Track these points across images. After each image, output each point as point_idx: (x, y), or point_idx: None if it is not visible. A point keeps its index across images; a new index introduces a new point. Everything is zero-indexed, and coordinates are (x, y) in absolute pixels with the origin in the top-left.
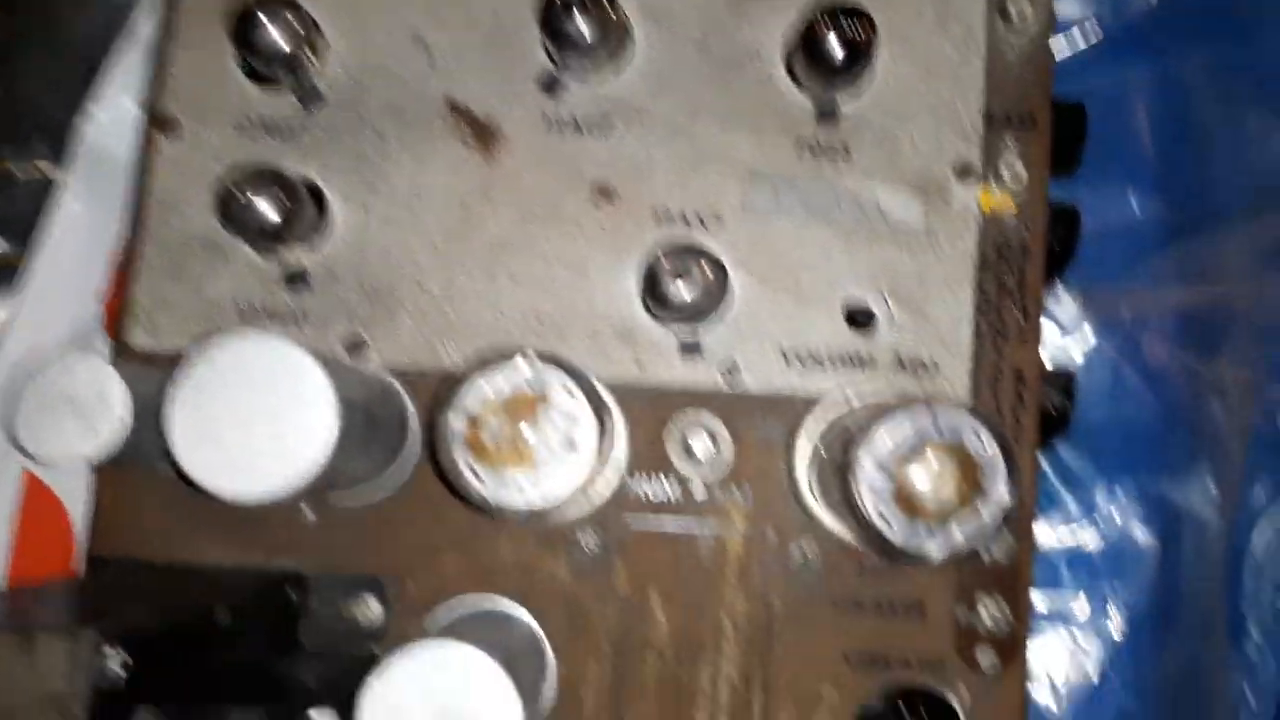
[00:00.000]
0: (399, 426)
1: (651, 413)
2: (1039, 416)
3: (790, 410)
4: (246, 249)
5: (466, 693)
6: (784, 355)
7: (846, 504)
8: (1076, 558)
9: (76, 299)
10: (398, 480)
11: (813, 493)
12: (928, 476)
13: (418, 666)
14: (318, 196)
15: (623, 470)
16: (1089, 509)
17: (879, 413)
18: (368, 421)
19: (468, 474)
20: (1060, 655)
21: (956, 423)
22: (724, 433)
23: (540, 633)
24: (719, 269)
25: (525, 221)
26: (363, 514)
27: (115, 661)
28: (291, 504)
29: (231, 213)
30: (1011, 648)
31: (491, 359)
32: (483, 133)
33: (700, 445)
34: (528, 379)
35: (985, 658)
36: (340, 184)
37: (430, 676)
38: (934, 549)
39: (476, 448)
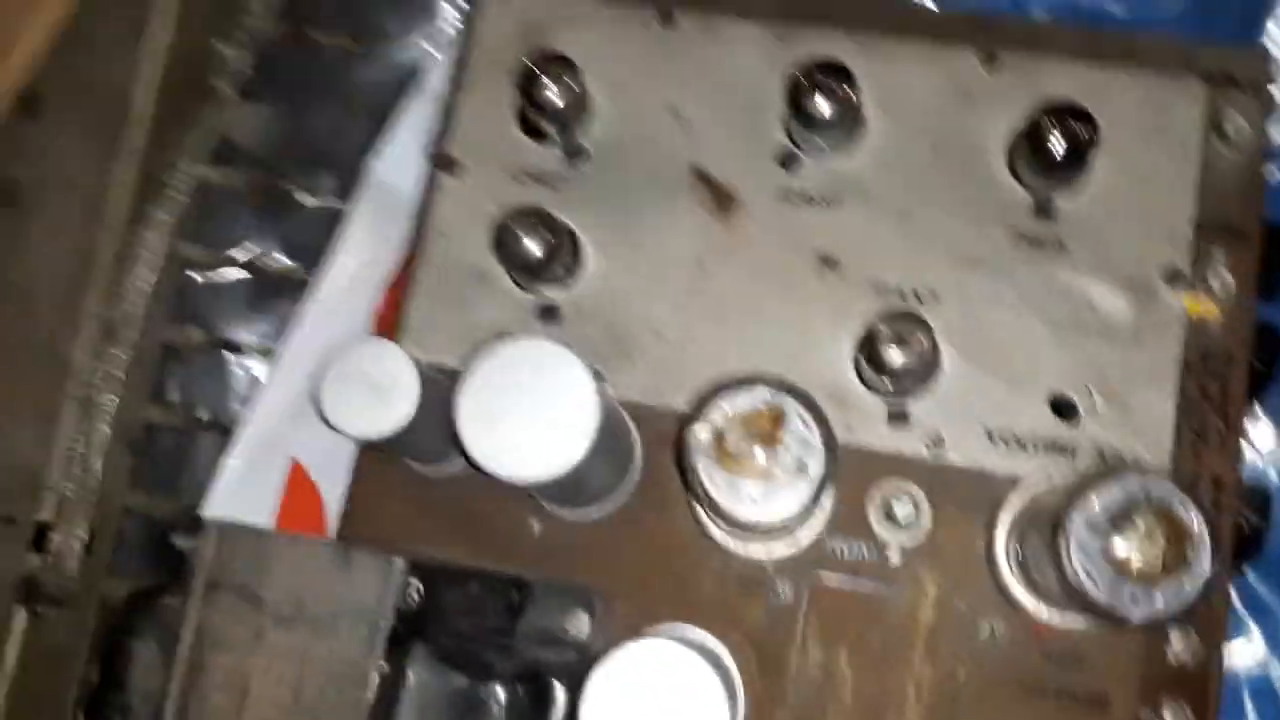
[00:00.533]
0: (627, 453)
1: (856, 475)
2: (1233, 531)
3: (991, 487)
4: (509, 282)
5: (684, 694)
6: (988, 434)
7: (1051, 563)
8: (1260, 689)
9: (352, 314)
10: (618, 504)
11: (1010, 566)
12: (1134, 539)
13: (645, 657)
14: (575, 242)
15: (825, 524)
16: (1276, 640)
17: (1091, 478)
18: (608, 438)
19: (706, 479)
20: None
21: (1166, 493)
22: (924, 502)
23: (735, 672)
24: (934, 342)
25: (754, 283)
26: (582, 532)
27: (414, 590)
28: (536, 503)
29: (504, 246)
30: None
31: (740, 379)
32: (724, 199)
33: (901, 511)
34: (769, 400)
35: None
36: (594, 233)
37: (655, 669)
38: (1135, 610)
39: (718, 456)
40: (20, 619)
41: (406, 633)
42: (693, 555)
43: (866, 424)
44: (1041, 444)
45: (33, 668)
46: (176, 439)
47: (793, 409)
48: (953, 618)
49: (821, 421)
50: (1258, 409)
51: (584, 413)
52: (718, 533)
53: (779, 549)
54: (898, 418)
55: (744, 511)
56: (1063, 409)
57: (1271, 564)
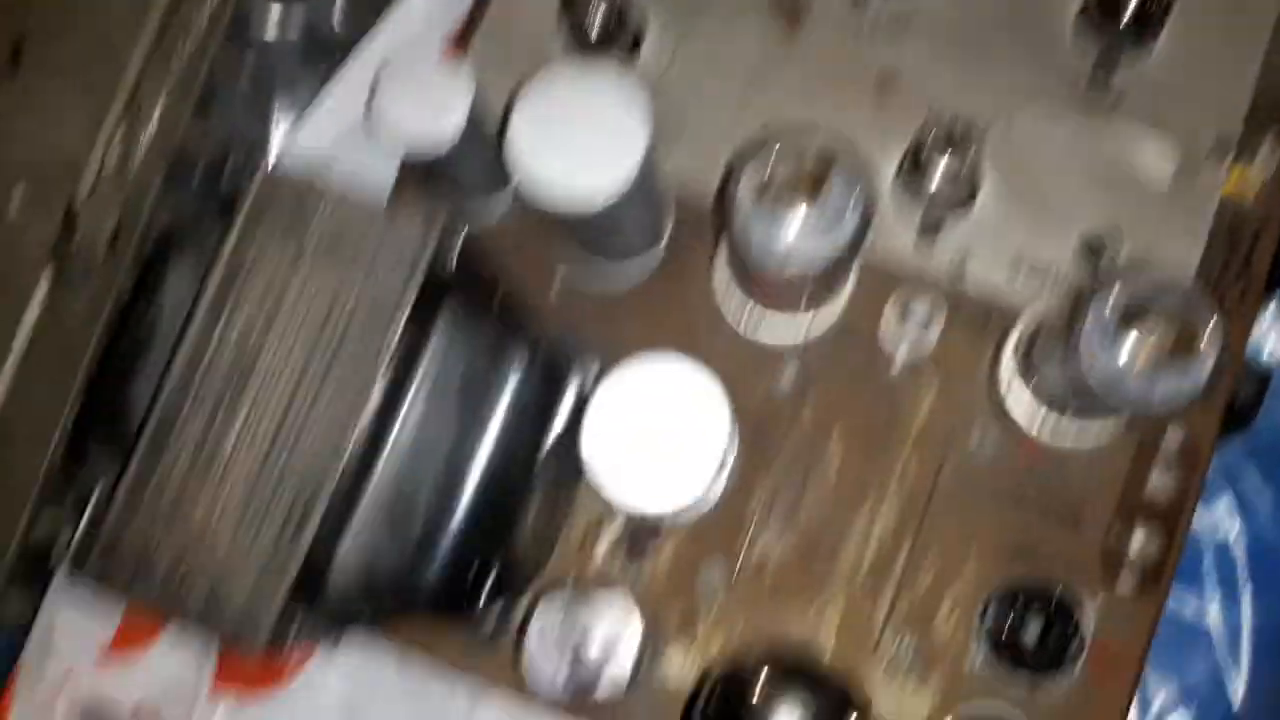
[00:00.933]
0: (660, 213)
1: (875, 281)
2: (1228, 400)
3: (1005, 310)
4: (569, 51)
5: (689, 406)
6: (1013, 261)
7: (1059, 354)
8: (1222, 554)
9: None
10: (639, 276)
11: (1011, 378)
12: (1147, 331)
13: (655, 369)
14: (641, 21)
15: (838, 318)
16: (1246, 509)
17: (1117, 271)
18: (647, 189)
19: (745, 217)
20: (1189, 644)
21: (1187, 294)
22: (939, 312)
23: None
24: (978, 157)
25: (808, 94)
26: (600, 299)
27: (453, 247)
28: (559, 263)
29: (570, 9)
30: (1154, 580)
31: (795, 127)
32: (792, 8)
33: (914, 317)
34: (820, 149)
35: (1125, 581)
36: (661, 19)
37: (664, 381)
38: (1134, 399)
39: (760, 196)
40: (43, 285)
41: (437, 292)
42: (704, 335)
43: (896, 234)
44: (1062, 279)
45: (50, 334)
46: (209, 160)
47: (842, 162)
48: (947, 423)
49: (866, 182)
50: (1275, 308)
51: (633, 138)
52: (733, 312)
53: (790, 334)
54: (928, 232)
55: (776, 256)
56: (1088, 250)
57: (1255, 440)
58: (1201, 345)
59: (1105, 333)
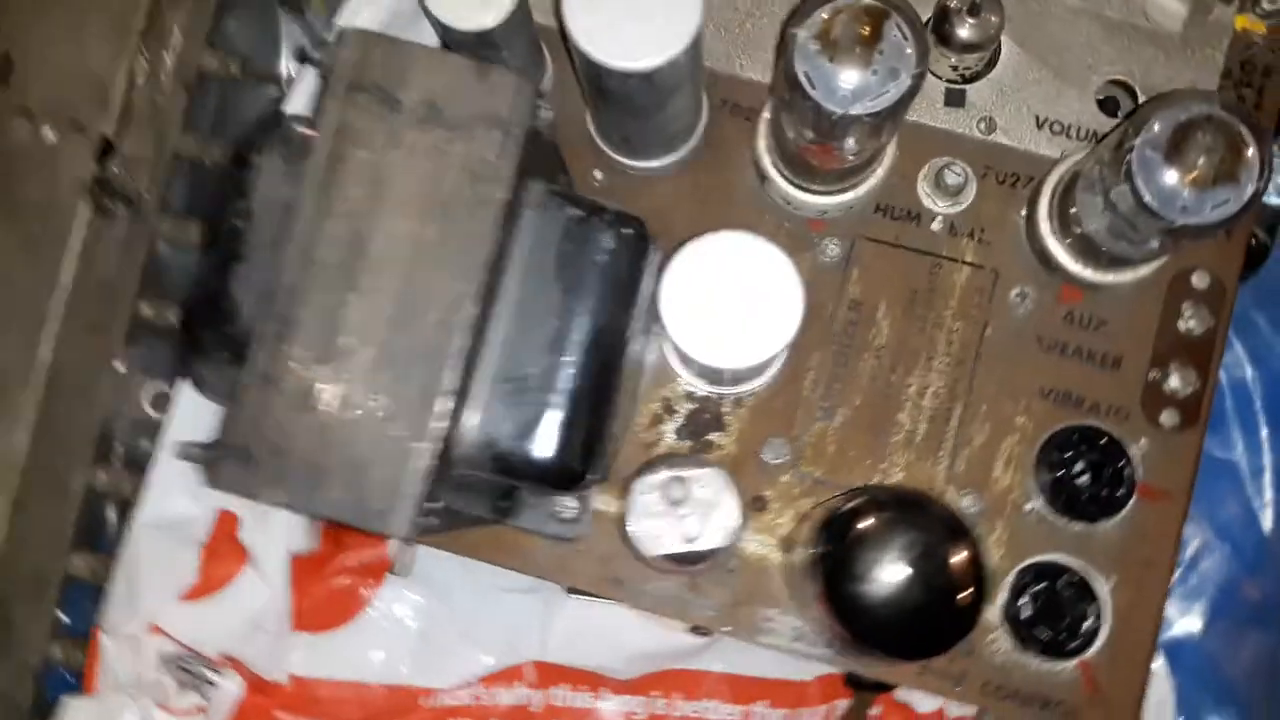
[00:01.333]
0: (696, 107)
1: (909, 147)
2: (1244, 244)
3: (1036, 167)
4: None
5: (759, 278)
6: (1037, 120)
7: (1105, 187)
8: (1241, 398)
9: None
10: (679, 159)
11: (1050, 224)
12: (1194, 152)
13: (720, 246)
14: None
15: (875, 191)
16: (1259, 355)
17: (1161, 100)
18: (692, 75)
19: (804, 67)
20: (1220, 484)
21: (1229, 115)
22: (972, 174)
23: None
24: (1002, 21)
25: None
26: (641, 183)
27: (544, 109)
28: (600, 150)
29: None
30: (1193, 412)
31: None
32: None
33: (950, 181)
34: (871, 2)
35: (1168, 417)
36: None
37: (730, 257)
38: (1184, 215)
39: (819, 47)
40: (83, 218)
41: (531, 151)
42: (748, 211)
43: (925, 103)
44: (1085, 134)
45: (95, 265)
46: (224, 90)
47: (894, 17)
48: (987, 282)
49: (920, 38)
50: None
51: (689, 13)
52: (775, 192)
53: (831, 210)
54: (954, 100)
55: (837, 99)
56: (1108, 105)
57: (1263, 288)
58: (1248, 155)
59: (1158, 151)
